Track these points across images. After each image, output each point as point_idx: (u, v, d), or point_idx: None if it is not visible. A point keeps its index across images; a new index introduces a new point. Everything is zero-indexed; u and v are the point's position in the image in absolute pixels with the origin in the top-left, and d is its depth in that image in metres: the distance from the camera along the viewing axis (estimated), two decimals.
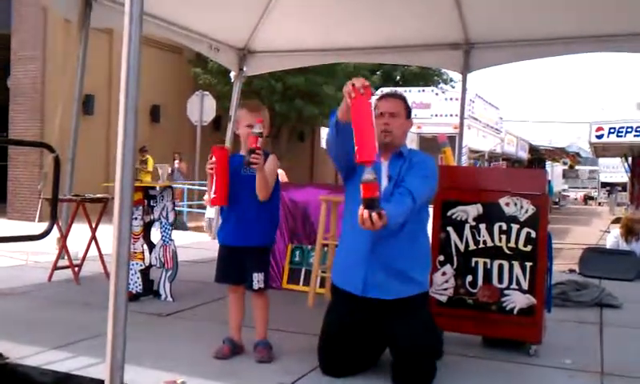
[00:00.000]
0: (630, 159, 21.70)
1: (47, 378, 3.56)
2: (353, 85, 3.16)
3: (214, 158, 3.79)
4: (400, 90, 18.57)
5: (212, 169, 3.79)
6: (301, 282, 6.05)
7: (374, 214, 3.04)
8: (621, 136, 16.52)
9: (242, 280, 3.95)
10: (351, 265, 3.62)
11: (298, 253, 6.17)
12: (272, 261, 5.90)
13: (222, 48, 9.21)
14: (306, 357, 3.82)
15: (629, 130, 16.13)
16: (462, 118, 9.86)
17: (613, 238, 8.96)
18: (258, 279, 3.89)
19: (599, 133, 17.22)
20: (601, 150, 22.04)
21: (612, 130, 16.83)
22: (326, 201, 5.55)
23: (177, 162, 18.78)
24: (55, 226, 5.79)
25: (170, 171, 18.23)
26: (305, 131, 27.40)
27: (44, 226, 4.37)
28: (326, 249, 5.67)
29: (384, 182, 3.58)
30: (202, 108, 17.95)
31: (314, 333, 3.79)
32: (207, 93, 18.31)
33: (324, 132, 20.94)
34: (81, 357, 3.78)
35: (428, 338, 3.55)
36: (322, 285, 5.63)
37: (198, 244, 9.59)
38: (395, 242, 3.48)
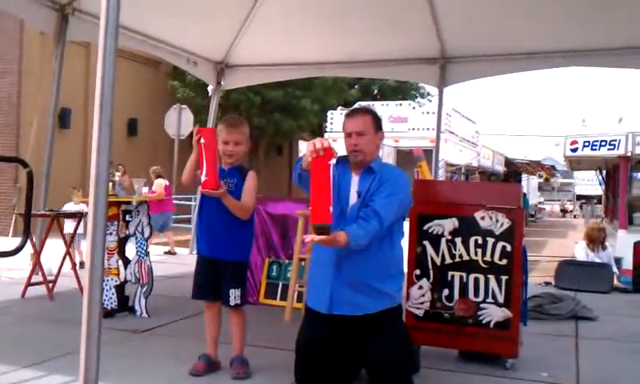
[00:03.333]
0: (604, 172, 21.94)
1: None
2: (314, 144, 3.18)
3: (202, 141, 3.69)
4: (377, 103, 18.66)
5: (198, 141, 3.70)
6: (278, 297, 6.02)
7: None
8: (595, 149, 16.68)
9: (219, 296, 3.92)
10: (318, 282, 3.60)
11: (275, 267, 6.15)
12: (249, 275, 5.88)
13: (199, 62, 9.20)
14: (282, 373, 3.80)
15: (603, 143, 16.30)
16: (438, 131, 9.93)
17: (581, 250, 9.09)
18: (234, 295, 3.88)
19: (573, 146, 17.37)
20: (575, 164, 22.24)
21: (586, 144, 16.98)
22: (303, 215, 5.54)
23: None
24: (29, 242, 5.74)
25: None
26: (283, 145, 27.42)
27: (18, 241, 4.31)
28: (303, 263, 5.65)
29: (353, 199, 3.58)
30: (179, 122, 17.87)
31: (290, 348, 3.76)
32: (185, 106, 18.24)
33: (302, 145, 20.95)
34: (54, 375, 3.74)
35: (400, 353, 3.51)
36: (299, 299, 5.60)
37: (173, 259, 9.51)
38: (359, 257, 3.45)
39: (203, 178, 3.69)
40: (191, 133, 18.41)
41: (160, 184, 12.58)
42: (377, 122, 3.67)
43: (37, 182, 4.93)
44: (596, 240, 8.87)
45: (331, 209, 3.15)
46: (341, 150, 3.63)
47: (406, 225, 3.93)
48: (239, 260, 3.95)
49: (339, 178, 3.56)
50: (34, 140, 7.68)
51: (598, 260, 8.56)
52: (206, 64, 9.34)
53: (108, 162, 2.89)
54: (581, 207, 47.14)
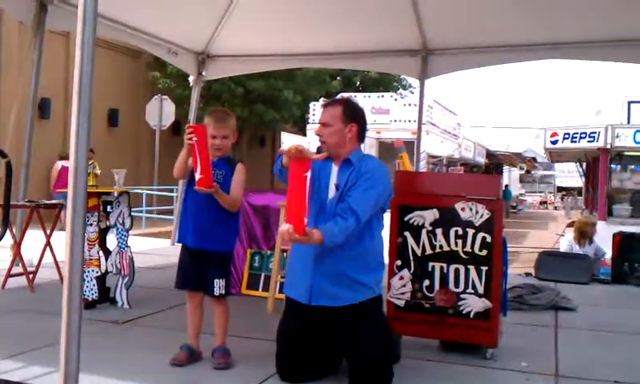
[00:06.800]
0: (584, 164, 22.16)
1: None
2: (290, 149, 3.24)
3: (194, 138, 3.65)
4: (359, 95, 18.70)
5: (190, 139, 3.66)
6: (260, 288, 6.02)
7: None
8: (575, 142, 16.84)
9: (202, 286, 3.92)
10: (298, 273, 3.62)
11: (257, 258, 6.14)
12: (231, 267, 5.87)
13: (180, 52, 9.13)
14: (264, 363, 3.81)
15: (582, 135, 16.45)
16: (419, 123, 9.94)
17: (566, 242, 9.15)
18: (219, 285, 3.88)
19: (554, 138, 17.53)
20: (556, 156, 22.45)
21: (566, 136, 17.14)
22: (284, 206, 5.53)
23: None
24: (9, 233, 5.70)
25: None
26: (265, 136, 27.36)
27: None
28: (285, 254, 5.65)
29: (331, 191, 3.58)
30: (160, 112, 17.78)
31: (272, 339, 3.77)
32: (166, 97, 18.14)
33: (285, 137, 20.95)
34: (34, 366, 3.71)
35: (380, 344, 3.53)
36: (281, 290, 5.61)
37: (155, 250, 9.48)
38: (339, 249, 3.46)
39: (198, 176, 3.68)
40: (172, 124, 18.38)
41: (55, 167, 13.11)
42: (347, 113, 3.63)
43: (16, 173, 4.90)
44: (587, 235, 8.89)
45: (306, 220, 3.20)
46: None
47: (387, 216, 3.95)
48: (225, 251, 3.96)
49: (320, 168, 3.57)
50: (12, 130, 7.57)
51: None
52: (186, 54, 9.27)
53: (87, 153, 2.87)
54: (562, 199, 47.64)
